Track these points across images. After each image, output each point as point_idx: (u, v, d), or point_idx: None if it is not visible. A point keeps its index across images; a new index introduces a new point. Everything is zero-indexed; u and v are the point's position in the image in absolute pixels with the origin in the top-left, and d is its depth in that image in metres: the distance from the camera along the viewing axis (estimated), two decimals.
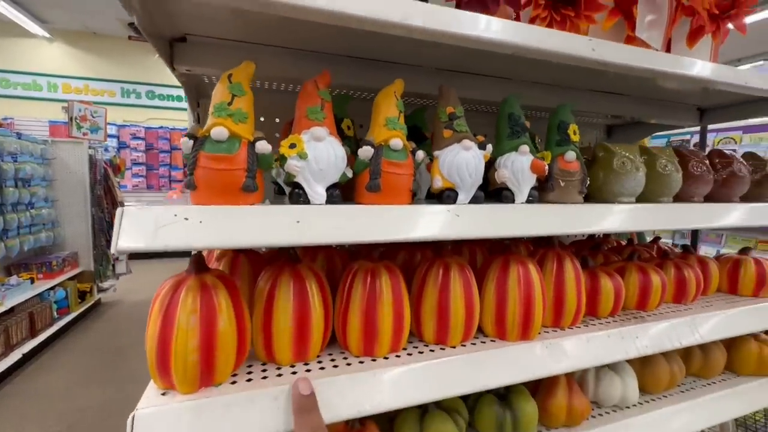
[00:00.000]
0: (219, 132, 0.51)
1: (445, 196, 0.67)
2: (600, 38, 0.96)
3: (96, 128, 3.96)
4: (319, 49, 0.81)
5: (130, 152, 6.20)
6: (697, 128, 1.69)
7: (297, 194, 0.58)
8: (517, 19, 0.88)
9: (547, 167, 0.74)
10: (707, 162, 0.94)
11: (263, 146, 0.55)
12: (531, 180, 0.74)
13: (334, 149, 0.59)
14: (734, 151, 3.56)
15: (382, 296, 0.65)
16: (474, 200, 0.68)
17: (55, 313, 3.27)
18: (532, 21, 0.85)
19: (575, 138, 0.79)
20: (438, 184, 0.66)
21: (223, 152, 0.52)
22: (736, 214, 0.91)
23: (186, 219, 0.48)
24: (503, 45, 0.64)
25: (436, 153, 0.67)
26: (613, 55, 0.72)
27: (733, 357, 1.08)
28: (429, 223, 0.60)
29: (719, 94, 1.11)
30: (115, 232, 0.45)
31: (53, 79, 6.17)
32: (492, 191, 0.76)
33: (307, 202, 0.57)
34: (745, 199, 1.04)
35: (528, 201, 0.75)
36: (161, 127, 6.45)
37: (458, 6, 0.84)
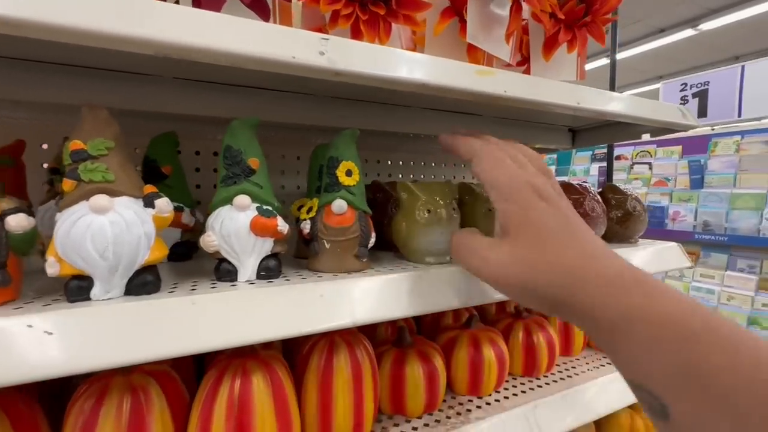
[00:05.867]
0: None
1: (71, 288, 0.40)
2: (435, 46, 0.75)
3: None
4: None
5: None
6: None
7: None
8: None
9: (282, 226, 0.50)
10: None
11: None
12: (260, 246, 0.49)
13: None
14: (649, 164, 3.66)
15: None
16: (134, 290, 0.42)
17: None
18: (332, 20, 0.62)
19: (349, 181, 0.54)
20: (53, 269, 0.39)
21: None
22: None
23: None
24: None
25: (56, 218, 0.41)
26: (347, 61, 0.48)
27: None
28: None
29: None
30: None
31: None
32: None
33: None
34: (608, 239, 0.87)
35: (261, 276, 0.50)
36: None
37: None
